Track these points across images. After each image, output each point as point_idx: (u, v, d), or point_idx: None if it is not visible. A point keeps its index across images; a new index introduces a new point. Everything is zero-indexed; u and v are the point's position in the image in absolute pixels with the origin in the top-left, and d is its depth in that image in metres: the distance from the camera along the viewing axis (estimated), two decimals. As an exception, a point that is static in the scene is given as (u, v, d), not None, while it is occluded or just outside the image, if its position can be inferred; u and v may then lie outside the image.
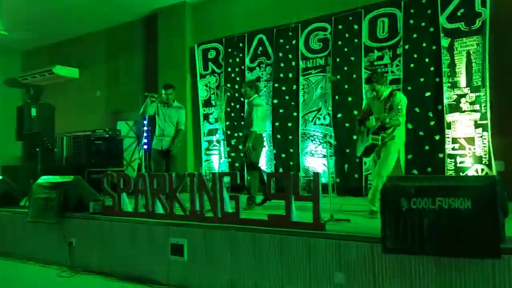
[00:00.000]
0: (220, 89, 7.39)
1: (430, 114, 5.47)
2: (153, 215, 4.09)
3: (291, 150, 6.64)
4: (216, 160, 7.41)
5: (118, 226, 4.26)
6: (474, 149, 5.19)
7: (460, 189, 2.61)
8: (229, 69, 7.44)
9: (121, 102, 9.01)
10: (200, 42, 7.88)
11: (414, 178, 3.17)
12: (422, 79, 5.57)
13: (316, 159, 6.48)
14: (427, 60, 5.55)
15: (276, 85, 6.84)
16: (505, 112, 5.08)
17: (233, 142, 7.33)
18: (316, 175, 3.35)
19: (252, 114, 4.97)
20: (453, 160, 5.32)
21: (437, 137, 5.40)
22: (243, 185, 5.33)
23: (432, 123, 5.45)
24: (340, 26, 6.31)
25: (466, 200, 2.55)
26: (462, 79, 5.33)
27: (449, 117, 5.38)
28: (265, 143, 6.03)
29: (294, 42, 6.73)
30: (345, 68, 6.18)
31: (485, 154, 5.10)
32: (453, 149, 5.34)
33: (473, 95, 5.24)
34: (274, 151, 6.78)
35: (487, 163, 5.07)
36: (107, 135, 7.81)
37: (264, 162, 6.81)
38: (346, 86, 6.16)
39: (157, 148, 5.43)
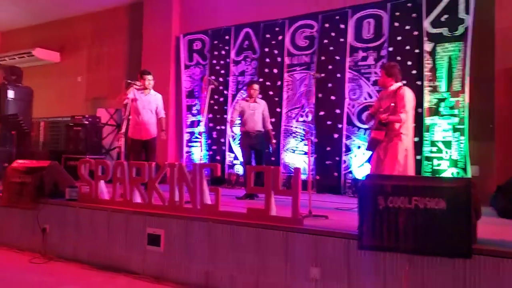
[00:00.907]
0: (204, 80, 7.35)
1: (411, 117, 5.56)
2: (130, 204, 4.05)
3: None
4: (198, 152, 7.37)
5: (94, 214, 4.19)
6: (451, 152, 5.31)
7: (436, 189, 2.67)
8: (214, 61, 7.40)
9: (103, 89, 8.85)
10: (186, 33, 7.80)
11: (392, 177, 3.23)
12: (404, 82, 5.65)
13: (297, 156, 6.53)
14: (409, 63, 5.65)
15: (260, 79, 6.84)
16: (482, 118, 5.22)
17: (215, 135, 7.30)
18: (297, 170, 3.37)
19: (267, 113, 5.53)
20: (430, 162, 5.44)
21: (416, 139, 5.50)
22: (223, 178, 5.33)
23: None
24: (327, 25, 6.34)
25: (441, 200, 2.62)
26: (442, 84, 5.45)
27: (428, 120, 5.50)
28: None
29: (280, 37, 6.74)
30: (330, 67, 6.23)
31: (461, 158, 5.23)
32: (431, 152, 5.46)
33: (452, 99, 5.36)
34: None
35: (463, 167, 5.21)
36: (86, 122, 7.67)
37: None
38: (329, 85, 6.21)
39: (135, 137, 5.33)
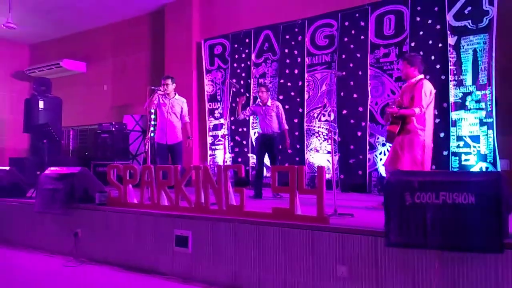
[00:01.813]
0: (226, 84, 7.42)
1: (436, 112, 5.46)
2: (158, 207, 4.14)
3: (298, 146, 6.66)
4: (221, 155, 7.45)
5: (123, 217, 4.30)
6: (479, 147, 5.19)
7: (464, 184, 2.62)
8: (235, 65, 7.47)
9: (128, 96, 9.08)
10: (207, 38, 7.91)
11: (418, 173, 3.19)
12: (428, 77, 5.55)
13: (321, 155, 6.50)
14: (433, 57, 5.55)
15: (281, 81, 6.86)
16: (511, 111, 5.07)
17: (237, 138, 7.36)
18: (320, 168, 3.36)
19: (283, 114, 5.58)
20: (457, 158, 5.33)
21: (441, 135, 5.41)
22: (247, 179, 5.39)
23: (437, 120, 5.45)
24: (346, 23, 6.31)
25: (470, 194, 2.56)
26: (468, 77, 5.33)
27: (454, 115, 5.38)
28: None
29: (300, 38, 6.75)
30: (351, 65, 6.19)
31: (490, 153, 5.10)
32: (458, 147, 5.34)
33: (479, 93, 5.23)
34: (280, 146, 6.79)
35: (492, 161, 5.07)
36: (113, 129, 7.87)
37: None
38: (351, 83, 6.17)
39: (161, 142, 5.44)
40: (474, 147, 5.22)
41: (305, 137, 6.62)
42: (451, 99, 5.40)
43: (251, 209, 3.76)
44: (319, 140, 6.54)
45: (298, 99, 6.72)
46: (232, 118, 7.31)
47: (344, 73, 6.02)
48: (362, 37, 6.15)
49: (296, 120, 6.70)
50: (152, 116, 5.42)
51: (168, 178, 4.11)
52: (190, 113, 6.56)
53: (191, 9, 8.02)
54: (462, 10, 5.41)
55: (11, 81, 10.65)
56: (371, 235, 2.96)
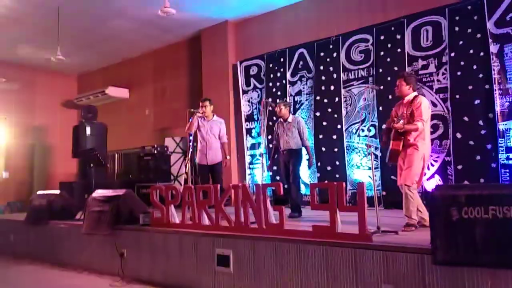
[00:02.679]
0: (262, 103, 7.50)
1: (481, 123, 5.26)
2: (199, 227, 4.20)
3: (337, 163, 6.58)
4: (259, 174, 7.47)
5: (166, 237, 4.39)
6: (531, 158, 4.91)
7: (515, 197, 2.49)
8: (271, 84, 7.55)
9: (169, 119, 9.37)
10: (242, 59, 8.07)
11: (465, 187, 3.06)
12: (470, 87, 5.38)
13: (361, 171, 6.38)
14: (475, 67, 5.37)
15: (317, 98, 6.85)
16: None
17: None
18: (361, 184, 3.30)
19: (305, 130, 5.46)
20: (507, 170, 5.05)
21: (488, 146, 5.17)
22: (286, 198, 5.35)
23: (483, 132, 5.23)
24: (382, 37, 6.25)
25: (522, 208, 2.43)
26: (514, 85, 5.09)
27: (501, 125, 5.14)
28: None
29: (335, 54, 6.74)
30: (388, 79, 6.10)
31: (544, 164, 4.81)
32: (508, 158, 5.07)
33: (527, 101, 4.99)
34: (318, 164, 6.75)
35: (546, 172, 4.77)
36: (155, 151, 8.12)
37: (306, 175, 6.80)
38: (389, 97, 6.05)
39: (202, 163, 5.57)
40: (526, 158, 4.94)
41: (345, 153, 6.53)
42: (497, 109, 5.17)
43: (290, 227, 3.74)
44: (359, 156, 6.43)
45: (336, 115, 6.66)
46: (269, 137, 7.35)
47: (381, 87, 5.95)
48: (399, 50, 6.06)
49: (334, 137, 6.64)
50: (191, 138, 5.56)
51: (208, 198, 4.17)
52: (228, 133, 6.67)
53: (226, 33, 8.24)
54: (503, 17, 5.22)
55: (61, 109, 11.31)
56: (417, 252, 2.85)
